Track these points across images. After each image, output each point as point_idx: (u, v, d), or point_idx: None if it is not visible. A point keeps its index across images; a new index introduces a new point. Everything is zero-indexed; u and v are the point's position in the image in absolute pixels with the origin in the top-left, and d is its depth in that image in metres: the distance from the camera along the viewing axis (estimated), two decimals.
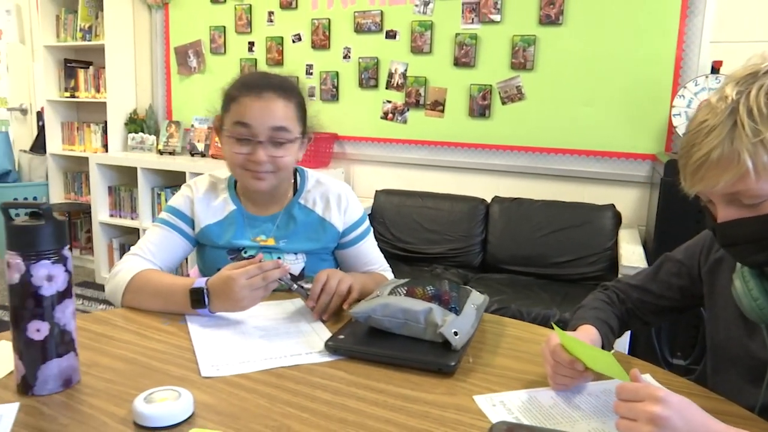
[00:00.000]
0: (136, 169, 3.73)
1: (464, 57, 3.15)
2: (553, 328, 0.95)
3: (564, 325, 0.96)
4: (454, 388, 0.94)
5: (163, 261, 1.36)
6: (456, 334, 1.01)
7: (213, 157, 3.83)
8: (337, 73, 3.49)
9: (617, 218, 2.83)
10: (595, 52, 2.89)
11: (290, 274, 1.36)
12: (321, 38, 3.49)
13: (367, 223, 1.50)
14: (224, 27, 3.78)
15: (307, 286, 1.23)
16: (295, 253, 1.41)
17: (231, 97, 1.32)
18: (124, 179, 3.98)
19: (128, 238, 4.04)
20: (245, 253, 1.39)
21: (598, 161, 2.96)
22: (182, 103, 4.04)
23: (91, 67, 4.15)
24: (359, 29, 3.38)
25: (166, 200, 3.72)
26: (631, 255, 2.38)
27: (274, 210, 1.42)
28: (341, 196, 1.44)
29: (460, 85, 3.19)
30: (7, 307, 3.25)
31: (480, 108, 3.16)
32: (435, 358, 0.99)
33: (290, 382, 0.94)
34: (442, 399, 0.90)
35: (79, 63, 4.19)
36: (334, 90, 3.50)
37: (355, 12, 3.37)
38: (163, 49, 4.04)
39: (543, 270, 2.83)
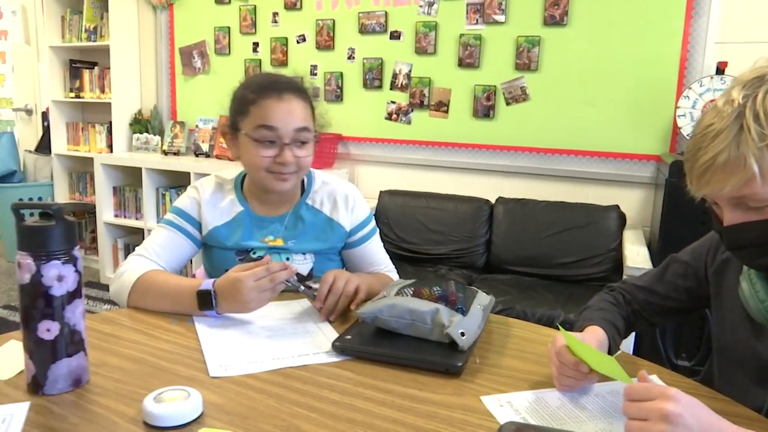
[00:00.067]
0: (140, 169, 3.74)
1: (468, 58, 3.15)
2: (558, 329, 0.95)
3: (569, 326, 0.96)
4: (461, 388, 0.94)
5: (167, 262, 1.36)
6: (463, 334, 1.02)
7: (217, 157, 3.84)
8: (341, 74, 3.49)
9: (622, 219, 2.83)
10: (599, 52, 2.89)
11: (298, 274, 1.37)
12: (325, 39, 3.50)
13: (373, 223, 1.51)
14: (229, 28, 3.80)
15: (315, 286, 1.23)
16: (304, 254, 1.42)
17: (249, 100, 1.32)
18: (128, 179, 4.00)
19: (133, 238, 4.05)
20: (254, 254, 1.40)
21: (603, 162, 2.96)
22: (187, 104, 4.06)
23: (96, 67, 4.17)
24: (363, 30, 3.39)
25: (171, 200, 3.73)
26: (636, 256, 2.38)
27: (282, 211, 1.43)
28: (348, 196, 1.45)
29: (465, 85, 3.19)
30: (14, 307, 3.22)
31: (484, 109, 3.16)
32: (442, 358, 1.00)
33: (298, 382, 0.94)
34: (450, 399, 0.90)
35: (84, 63, 4.21)
36: (339, 90, 3.51)
37: (359, 13, 3.38)
38: (168, 50, 4.05)
39: (547, 271, 2.83)
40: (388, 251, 1.56)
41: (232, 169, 1.49)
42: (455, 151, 3.28)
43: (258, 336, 1.12)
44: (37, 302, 0.86)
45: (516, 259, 2.91)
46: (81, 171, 4.38)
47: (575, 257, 2.79)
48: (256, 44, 3.73)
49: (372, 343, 1.06)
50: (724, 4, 2.65)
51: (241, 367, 0.98)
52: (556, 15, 2.94)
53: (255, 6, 3.68)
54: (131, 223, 3.94)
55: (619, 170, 2.93)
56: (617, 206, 2.85)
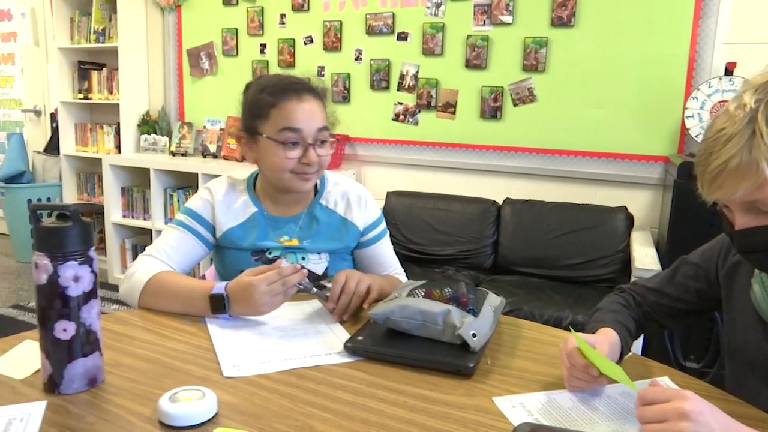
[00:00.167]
0: (148, 170, 3.76)
1: (476, 59, 3.15)
2: (569, 331, 0.96)
3: (578, 328, 0.97)
4: (473, 389, 0.95)
5: (178, 263, 1.36)
6: (474, 335, 1.02)
7: (225, 158, 3.86)
8: (348, 75, 3.50)
9: (629, 220, 2.82)
10: (607, 53, 2.89)
11: (313, 273, 1.39)
12: (333, 40, 3.51)
13: (384, 224, 1.52)
14: (236, 29, 3.81)
15: (329, 285, 1.24)
16: (319, 253, 1.43)
17: (269, 103, 1.32)
18: (136, 180, 4.02)
19: (141, 238, 4.08)
20: (269, 254, 1.40)
21: (610, 163, 2.96)
22: (194, 105, 4.07)
23: (104, 68, 4.19)
24: (371, 31, 3.39)
25: (179, 201, 3.75)
26: (644, 257, 2.38)
27: (295, 211, 1.44)
28: (361, 196, 1.47)
29: (472, 86, 3.20)
30: (23, 307, 3.25)
31: (491, 110, 3.16)
32: (454, 359, 1.00)
33: (311, 382, 0.95)
34: (462, 400, 0.91)
35: (92, 65, 4.24)
36: (346, 92, 3.52)
37: (366, 14, 3.38)
38: (176, 51, 4.07)
39: (555, 272, 2.83)
40: (395, 252, 1.57)
41: (242, 170, 1.50)
42: (462, 152, 3.28)
43: (270, 336, 1.13)
44: (54, 302, 0.87)
45: (523, 260, 2.91)
46: (89, 172, 4.40)
47: (583, 258, 2.79)
48: (263, 45, 3.74)
49: (384, 343, 1.07)
50: (733, 4, 2.64)
51: (254, 368, 0.99)
52: (563, 16, 2.94)
53: (262, 7, 3.70)
54: (139, 223, 3.96)
55: (626, 171, 2.93)
56: (625, 207, 2.84)
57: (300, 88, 1.34)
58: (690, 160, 2.36)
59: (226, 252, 1.43)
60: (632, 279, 2.28)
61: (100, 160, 4.04)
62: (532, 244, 2.90)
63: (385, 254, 1.51)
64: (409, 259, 3.07)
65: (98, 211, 4.18)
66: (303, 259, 1.41)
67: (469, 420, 0.85)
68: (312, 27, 3.57)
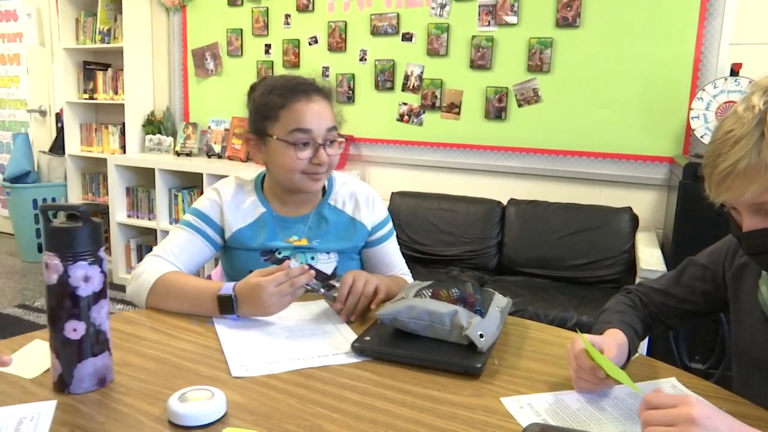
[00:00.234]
0: (153, 170, 3.77)
1: (480, 59, 3.16)
2: (576, 332, 0.96)
3: (584, 329, 0.97)
4: (481, 390, 0.95)
5: (185, 264, 1.36)
6: (482, 336, 1.02)
7: (229, 158, 3.86)
8: (353, 76, 3.50)
9: (634, 221, 2.82)
10: (612, 54, 2.88)
11: (322, 272, 1.40)
12: (337, 41, 3.51)
13: (391, 224, 1.52)
14: (241, 30, 3.82)
15: (337, 285, 1.24)
16: (328, 253, 1.43)
17: (277, 104, 1.33)
18: (141, 180, 4.03)
19: (145, 238, 4.09)
20: (279, 254, 1.41)
21: (615, 164, 2.96)
22: (199, 105, 4.08)
23: (109, 69, 4.20)
24: (375, 32, 3.40)
25: (184, 201, 3.76)
26: (650, 258, 2.37)
27: (303, 211, 1.44)
28: (368, 196, 1.48)
29: (477, 87, 3.20)
30: (28, 306, 3.26)
31: (496, 110, 3.16)
32: (461, 360, 1.00)
33: (319, 382, 0.95)
34: (469, 401, 0.91)
35: (97, 65, 4.25)
36: (350, 92, 3.52)
37: (371, 14, 3.39)
38: (181, 52, 4.08)
39: (559, 273, 2.83)
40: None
41: (249, 170, 1.51)
42: (467, 153, 3.28)
43: (277, 337, 1.13)
44: (64, 302, 0.87)
45: (528, 261, 2.91)
46: (94, 172, 4.41)
47: (587, 259, 2.79)
48: (268, 46, 3.75)
49: (391, 344, 1.07)
50: (739, 5, 2.64)
51: (262, 368, 0.99)
52: (568, 16, 2.94)
53: (267, 8, 3.70)
54: (144, 223, 3.98)
55: (631, 172, 2.93)
56: (630, 208, 2.84)
57: (308, 88, 1.34)
58: (695, 161, 2.36)
59: (234, 253, 1.44)
60: (637, 280, 2.28)
61: (105, 160, 4.05)
62: (536, 245, 2.90)
63: (392, 254, 1.52)
64: (413, 259, 3.07)
65: (103, 211, 4.19)
66: (312, 258, 1.42)
67: (477, 420, 0.85)
68: (317, 27, 3.58)
